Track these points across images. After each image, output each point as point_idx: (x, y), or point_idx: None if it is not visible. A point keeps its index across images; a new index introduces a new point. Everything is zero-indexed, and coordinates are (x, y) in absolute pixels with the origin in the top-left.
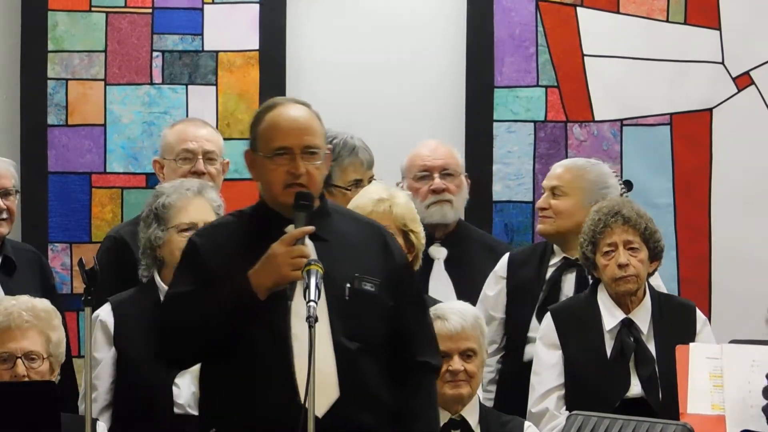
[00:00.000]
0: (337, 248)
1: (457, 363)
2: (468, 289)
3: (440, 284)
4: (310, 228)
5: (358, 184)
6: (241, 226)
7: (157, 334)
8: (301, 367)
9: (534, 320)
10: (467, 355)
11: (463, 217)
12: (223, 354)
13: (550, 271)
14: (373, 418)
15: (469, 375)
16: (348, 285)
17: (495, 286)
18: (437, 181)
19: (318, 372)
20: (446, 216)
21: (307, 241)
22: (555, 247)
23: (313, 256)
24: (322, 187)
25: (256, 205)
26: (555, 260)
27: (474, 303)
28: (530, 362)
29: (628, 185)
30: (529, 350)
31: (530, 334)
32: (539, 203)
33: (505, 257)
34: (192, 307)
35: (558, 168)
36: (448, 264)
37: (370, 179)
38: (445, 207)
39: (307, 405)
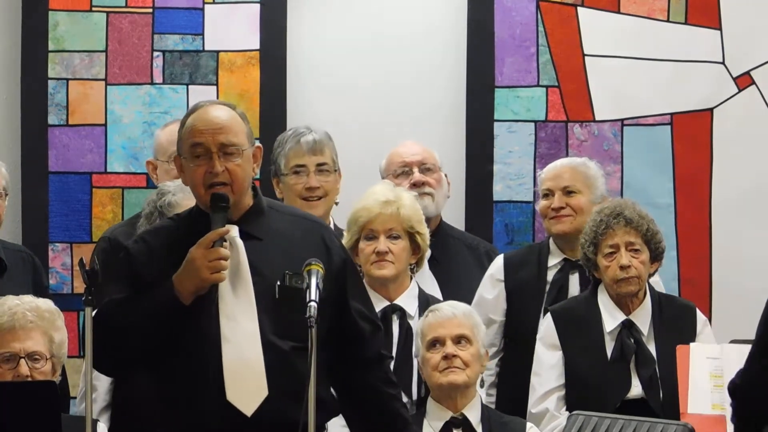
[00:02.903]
0: (269, 246)
1: (450, 347)
2: (452, 288)
3: (425, 283)
4: (225, 230)
5: (300, 169)
6: (175, 230)
7: (92, 342)
8: (230, 368)
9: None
10: (460, 341)
11: (441, 214)
12: (159, 359)
13: (551, 272)
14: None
15: (464, 363)
16: (278, 283)
17: (492, 289)
18: (417, 175)
19: (246, 371)
20: (427, 208)
21: (239, 240)
22: (552, 247)
23: (242, 256)
24: (248, 185)
25: (191, 208)
26: (555, 261)
27: (458, 301)
28: None
29: None
30: None
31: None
32: (552, 204)
33: (500, 259)
34: (123, 314)
35: (559, 168)
36: (431, 263)
37: (321, 165)
38: (426, 199)
39: (308, 404)
